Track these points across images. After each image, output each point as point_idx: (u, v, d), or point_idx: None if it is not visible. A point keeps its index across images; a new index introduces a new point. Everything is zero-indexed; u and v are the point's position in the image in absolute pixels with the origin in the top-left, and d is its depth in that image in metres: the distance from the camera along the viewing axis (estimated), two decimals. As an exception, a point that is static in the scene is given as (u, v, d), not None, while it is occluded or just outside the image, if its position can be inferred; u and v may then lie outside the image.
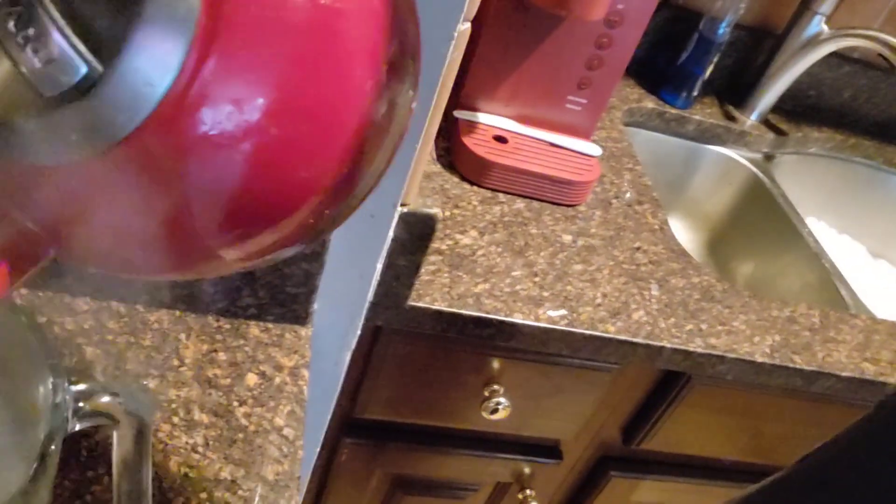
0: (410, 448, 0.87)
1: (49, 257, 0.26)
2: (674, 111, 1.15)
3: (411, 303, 0.69)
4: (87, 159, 0.22)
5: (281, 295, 0.55)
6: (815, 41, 1.10)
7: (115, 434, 0.32)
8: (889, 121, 1.35)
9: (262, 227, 0.26)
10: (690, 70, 1.13)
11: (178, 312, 0.54)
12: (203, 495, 0.45)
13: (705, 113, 1.18)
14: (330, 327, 0.59)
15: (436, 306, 0.69)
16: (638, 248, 0.86)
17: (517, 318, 0.71)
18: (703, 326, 0.79)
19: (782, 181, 1.18)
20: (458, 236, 0.78)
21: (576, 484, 0.99)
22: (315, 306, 0.57)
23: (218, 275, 0.48)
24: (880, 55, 1.05)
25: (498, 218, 0.82)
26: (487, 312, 0.71)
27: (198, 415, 0.49)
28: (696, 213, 1.24)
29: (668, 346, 0.75)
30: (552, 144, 0.89)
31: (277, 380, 0.53)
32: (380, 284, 0.65)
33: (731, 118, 1.19)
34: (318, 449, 0.67)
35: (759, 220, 1.15)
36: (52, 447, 0.28)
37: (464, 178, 0.85)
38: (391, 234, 0.54)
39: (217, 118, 0.22)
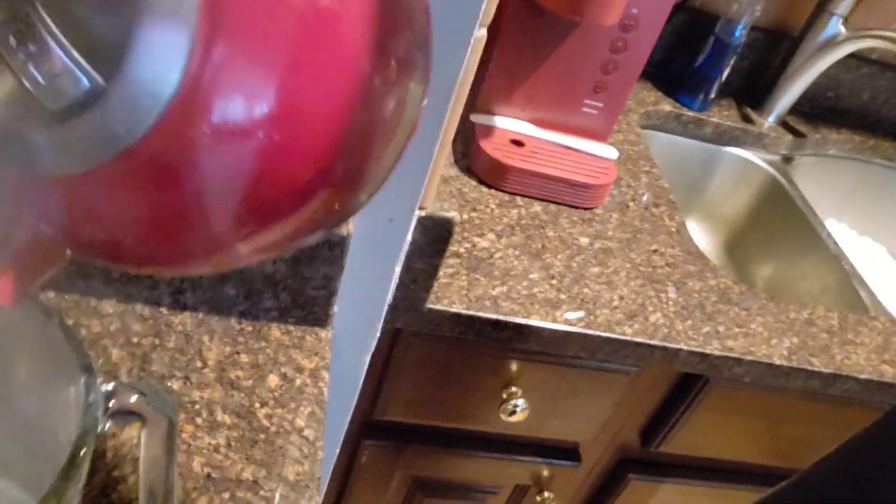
0: (430, 450, 0.88)
1: (66, 258, 0.26)
2: (691, 114, 1.15)
3: (430, 305, 0.69)
4: (98, 165, 0.22)
5: (301, 298, 0.56)
6: (832, 42, 1.10)
7: (142, 433, 0.33)
8: (909, 122, 1.34)
9: (274, 221, 0.26)
10: (707, 73, 1.13)
11: (200, 315, 0.55)
12: (226, 495, 0.45)
13: (722, 115, 1.18)
14: (350, 329, 0.59)
15: (454, 309, 0.70)
16: (655, 251, 0.86)
17: (534, 321, 0.72)
18: (721, 329, 0.79)
19: (801, 183, 1.17)
20: (475, 239, 0.78)
21: (595, 487, 0.99)
22: (335, 309, 0.57)
23: (232, 267, 0.48)
24: (899, 56, 1.05)
25: (515, 221, 0.83)
26: (505, 315, 0.71)
27: (220, 416, 0.49)
28: (714, 215, 1.23)
29: (686, 348, 0.75)
30: (569, 148, 0.90)
31: (298, 381, 0.53)
32: (398, 287, 0.65)
33: (748, 120, 1.19)
34: (338, 450, 0.67)
35: (778, 222, 1.14)
36: (85, 446, 0.29)
37: (481, 182, 0.86)
38: (409, 237, 0.55)
39: (224, 114, 0.22)
